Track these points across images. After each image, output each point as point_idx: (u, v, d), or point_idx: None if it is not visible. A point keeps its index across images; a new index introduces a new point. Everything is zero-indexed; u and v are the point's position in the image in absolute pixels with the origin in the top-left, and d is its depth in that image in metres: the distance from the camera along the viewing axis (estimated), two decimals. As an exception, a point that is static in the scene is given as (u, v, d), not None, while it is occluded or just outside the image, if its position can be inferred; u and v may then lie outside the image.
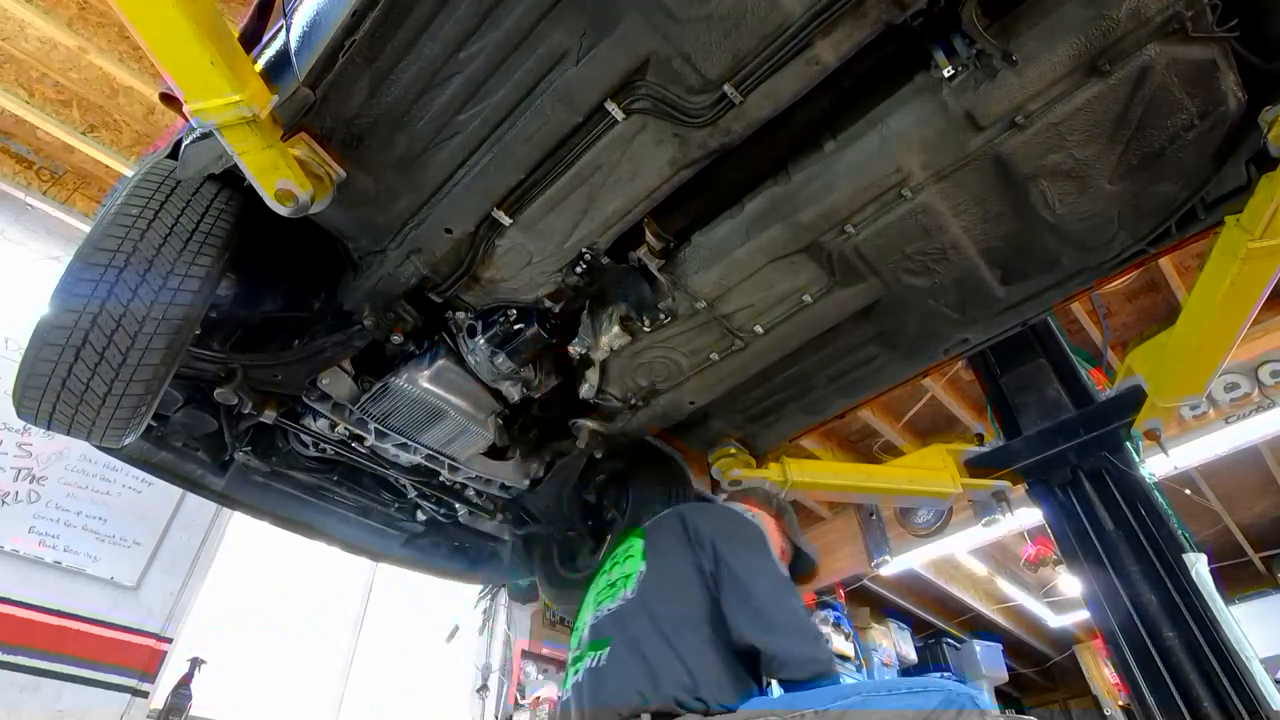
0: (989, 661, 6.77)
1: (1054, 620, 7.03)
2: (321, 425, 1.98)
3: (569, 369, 2.01)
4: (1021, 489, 2.43)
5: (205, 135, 1.27)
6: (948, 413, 4.77)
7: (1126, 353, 2.04)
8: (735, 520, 1.58)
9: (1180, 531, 2.01)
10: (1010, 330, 1.86)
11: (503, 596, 4.91)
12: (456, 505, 2.39)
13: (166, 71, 1.09)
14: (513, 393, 2.00)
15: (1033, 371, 2.46)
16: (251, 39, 1.36)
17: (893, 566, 5.48)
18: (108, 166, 3.94)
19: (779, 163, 1.52)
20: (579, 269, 1.63)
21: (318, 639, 4.34)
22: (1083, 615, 6.39)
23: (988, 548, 6.03)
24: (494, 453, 2.19)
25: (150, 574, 3.66)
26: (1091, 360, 2.54)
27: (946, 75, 1.30)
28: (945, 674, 5.86)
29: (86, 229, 1.58)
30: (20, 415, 1.36)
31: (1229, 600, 1.96)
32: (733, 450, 2.27)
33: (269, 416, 1.88)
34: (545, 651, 4.97)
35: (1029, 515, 3.39)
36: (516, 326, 1.74)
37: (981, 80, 1.30)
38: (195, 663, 3.39)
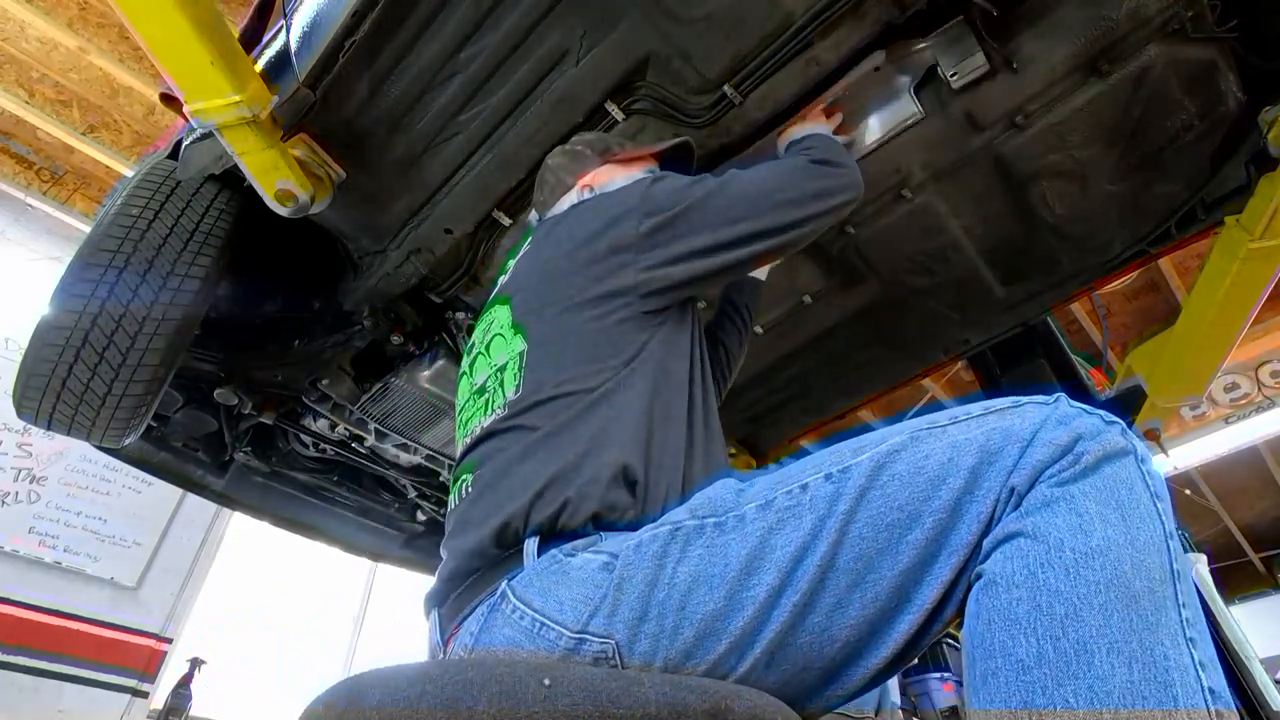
0: (989, 661, 6.75)
1: (1054, 620, 7.02)
2: (321, 425, 1.98)
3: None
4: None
5: (205, 136, 1.26)
6: (948, 413, 4.77)
7: (1126, 353, 2.04)
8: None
9: (1180, 532, 2.01)
10: (1010, 330, 1.86)
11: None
12: (456, 505, 2.39)
13: (166, 72, 1.09)
14: (513, 393, 2.00)
15: (1033, 371, 2.46)
16: (251, 39, 1.36)
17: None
18: (108, 167, 3.94)
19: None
20: (579, 269, 1.63)
21: (318, 639, 4.34)
22: (1083, 615, 6.37)
23: (988, 548, 6.02)
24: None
25: (150, 574, 3.67)
26: (1091, 360, 2.53)
27: (946, 76, 1.30)
28: (945, 674, 5.86)
29: (86, 229, 1.58)
30: (20, 415, 1.36)
31: (1229, 600, 1.96)
32: (733, 450, 2.27)
33: (269, 417, 1.88)
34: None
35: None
36: (516, 327, 1.74)
37: (981, 81, 1.30)
38: (195, 663, 3.40)
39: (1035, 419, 0.57)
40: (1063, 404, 0.58)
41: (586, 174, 1.15)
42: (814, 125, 1.28)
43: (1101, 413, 0.57)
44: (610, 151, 1.18)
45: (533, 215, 1.24)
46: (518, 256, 1.09)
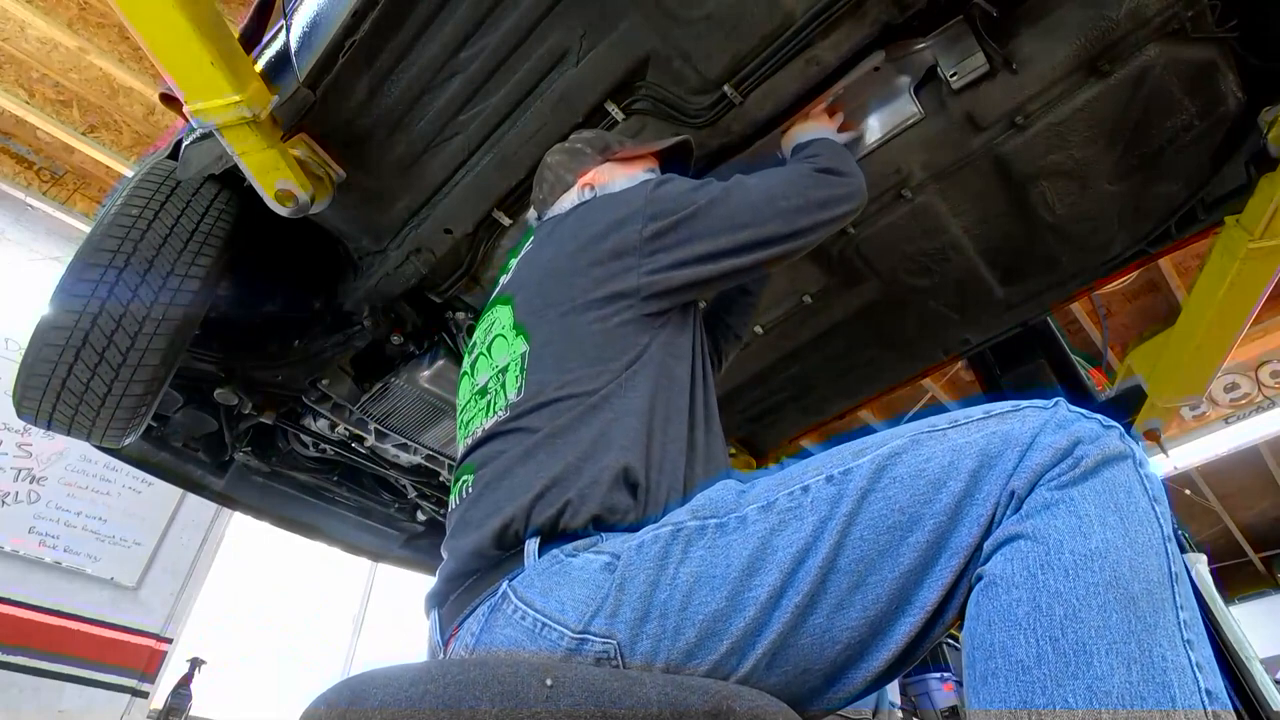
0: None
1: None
2: (321, 425, 1.98)
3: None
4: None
5: (205, 136, 1.27)
6: (948, 413, 4.77)
7: (1126, 353, 2.04)
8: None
9: (1180, 531, 2.01)
10: (1010, 330, 1.86)
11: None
12: (456, 505, 2.39)
13: (167, 72, 1.09)
14: (513, 393, 2.00)
15: (1033, 371, 2.46)
16: (251, 39, 1.36)
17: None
18: (108, 167, 3.94)
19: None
20: (579, 269, 1.63)
21: (317, 639, 4.34)
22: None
23: (988, 548, 6.02)
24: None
25: (150, 574, 3.67)
26: (1091, 360, 2.53)
27: (946, 76, 1.30)
28: (945, 674, 5.86)
29: (86, 229, 1.58)
30: (20, 415, 1.36)
31: (1229, 600, 1.96)
32: (733, 450, 2.27)
33: (269, 417, 1.88)
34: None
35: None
36: (516, 327, 1.74)
37: (981, 81, 1.30)
38: (195, 663, 3.40)
39: (1034, 423, 0.57)
40: (1061, 408, 0.58)
41: (587, 172, 1.14)
42: (818, 126, 1.28)
43: (1100, 417, 0.57)
44: (610, 149, 1.17)
45: (531, 214, 1.24)
46: (519, 256, 1.09)
